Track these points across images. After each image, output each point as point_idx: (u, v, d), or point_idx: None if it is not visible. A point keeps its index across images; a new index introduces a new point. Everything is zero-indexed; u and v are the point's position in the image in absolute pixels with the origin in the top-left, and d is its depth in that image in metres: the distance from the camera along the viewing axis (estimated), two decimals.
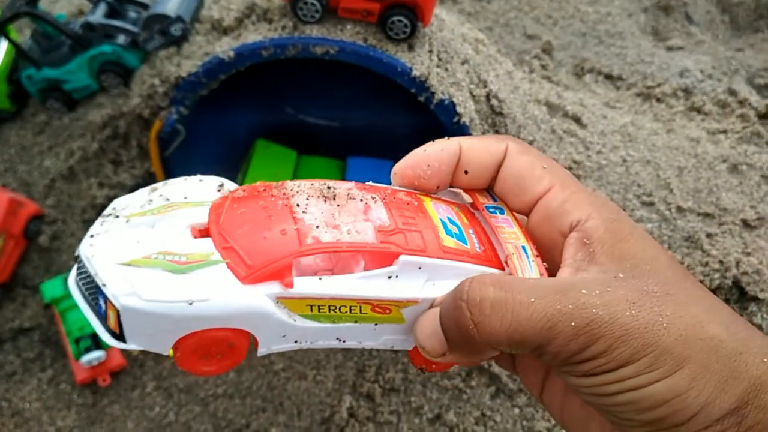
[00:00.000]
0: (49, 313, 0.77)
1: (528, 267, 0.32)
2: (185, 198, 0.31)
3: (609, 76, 1.08)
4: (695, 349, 0.27)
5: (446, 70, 0.71)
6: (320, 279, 0.29)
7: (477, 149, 0.33)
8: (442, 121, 0.72)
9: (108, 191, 0.79)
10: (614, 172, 0.86)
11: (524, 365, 0.35)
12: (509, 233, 0.33)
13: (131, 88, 0.77)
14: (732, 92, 1.03)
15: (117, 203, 0.32)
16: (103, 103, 0.82)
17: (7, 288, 0.79)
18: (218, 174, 0.88)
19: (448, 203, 0.34)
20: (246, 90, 0.87)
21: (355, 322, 0.31)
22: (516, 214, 0.34)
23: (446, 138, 0.34)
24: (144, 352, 0.77)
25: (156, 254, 0.28)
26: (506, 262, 0.32)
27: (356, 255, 0.31)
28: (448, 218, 0.33)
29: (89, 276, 0.29)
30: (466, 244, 0.32)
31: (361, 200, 0.32)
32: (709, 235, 0.84)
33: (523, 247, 0.32)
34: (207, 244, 0.29)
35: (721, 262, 0.81)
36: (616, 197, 0.84)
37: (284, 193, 0.31)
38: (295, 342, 0.30)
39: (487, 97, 0.76)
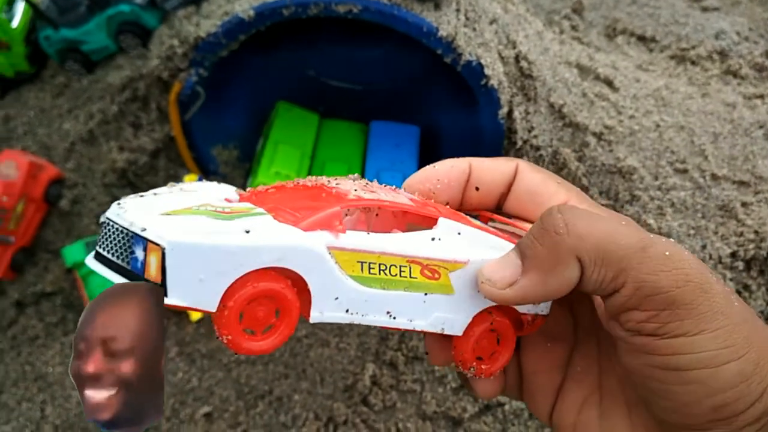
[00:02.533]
0: (71, 278, 0.77)
1: None
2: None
3: (642, 38, 1.04)
4: (757, 336, 0.26)
5: (474, 30, 0.69)
6: (368, 233, 0.28)
7: (488, 167, 0.33)
8: (470, 85, 0.70)
9: (128, 155, 0.78)
10: (647, 138, 0.83)
11: (532, 386, 0.35)
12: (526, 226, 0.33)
13: (150, 49, 0.76)
14: None
15: (134, 195, 0.30)
16: (122, 65, 0.80)
17: (29, 252, 0.78)
18: (241, 139, 0.87)
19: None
20: (267, 52, 0.85)
21: (405, 289, 0.30)
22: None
23: (456, 158, 0.34)
24: (167, 317, 0.76)
25: (197, 206, 0.26)
26: None
27: (393, 224, 0.30)
28: (469, 217, 0.34)
29: (119, 233, 0.26)
30: (491, 228, 0.33)
31: (386, 185, 0.32)
32: (744, 204, 0.82)
33: None
34: (247, 204, 0.28)
35: (756, 232, 0.79)
36: (649, 164, 0.82)
37: (312, 180, 0.31)
38: (347, 311, 0.29)
39: (516, 58, 0.73)
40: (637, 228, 0.28)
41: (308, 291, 0.28)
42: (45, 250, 0.79)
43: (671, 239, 0.28)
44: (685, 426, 0.27)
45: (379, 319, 0.30)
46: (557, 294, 0.28)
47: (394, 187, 0.33)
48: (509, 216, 0.34)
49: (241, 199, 0.30)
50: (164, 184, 0.80)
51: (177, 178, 0.77)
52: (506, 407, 0.71)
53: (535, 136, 0.76)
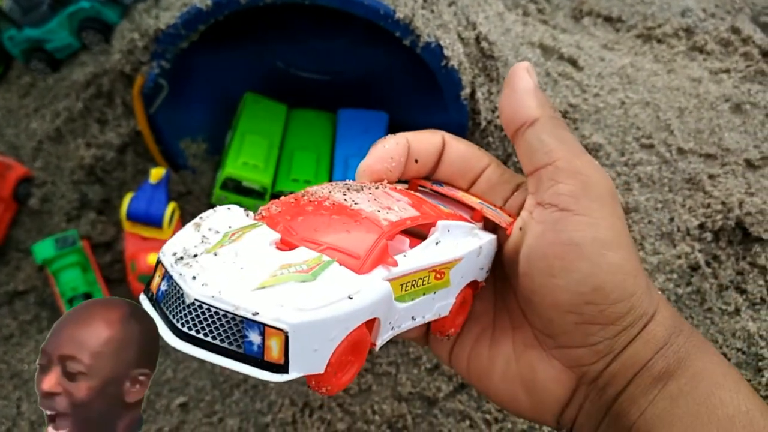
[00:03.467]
0: (43, 276, 0.77)
1: (496, 212, 0.36)
2: (230, 227, 0.30)
3: (608, 18, 1.04)
4: (635, 247, 0.32)
5: (432, 11, 0.69)
6: (405, 256, 0.31)
7: (420, 139, 0.36)
8: (431, 66, 0.70)
9: (95, 151, 0.78)
10: (612, 115, 0.84)
11: (435, 336, 0.38)
12: (464, 196, 0.37)
13: (112, 45, 0.76)
14: (735, 30, 1.00)
15: (172, 248, 0.29)
16: (86, 62, 0.80)
17: (0, 252, 0.78)
18: (209, 131, 0.87)
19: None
20: (235, 45, 0.85)
21: (424, 294, 0.32)
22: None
23: (390, 135, 0.37)
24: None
25: (279, 270, 0.27)
26: (476, 210, 0.36)
27: (398, 234, 0.32)
28: (399, 185, 0.37)
29: (221, 316, 0.26)
30: (453, 212, 0.36)
31: (377, 188, 0.34)
32: (711, 176, 0.82)
33: (480, 202, 0.37)
34: (305, 252, 0.28)
35: (723, 203, 0.80)
36: (615, 140, 0.82)
37: (321, 196, 0.32)
38: (392, 329, 0.31)
39: (477, 39, 0.74)
40: None
41: (373, 323, 0.29)
42: (16, 249, 0.79)
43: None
44: (566, 308, 0.30)
45: (407, 324, 0.32)
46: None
47: (383, 190, 0.34)
48: (435, 182, 0.38)
49: (283, 235, 0.30)
50: (133, 179, 0.81)
51: (144, 173, 0.77)
52: None
53: (499, 117, 0.76)
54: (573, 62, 0.86)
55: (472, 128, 0.76)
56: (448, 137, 0.37)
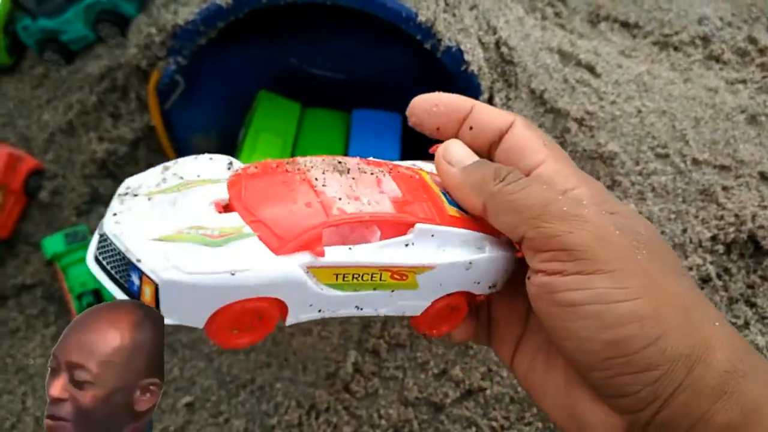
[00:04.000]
0: (51, 270, 0.76)
1: None
2: (198, 176, 0.32)
3: (625, 24, 1.03)
4: (657, 286, 0.28)
5: (453, 15, 0.68)
6: (350, 249, 0.31)
7: (488, 111, 0.35)
8: (450, 70, 0.69)
9: (108, 145, 0.77)
10: (628, 123, 0.83)
11: (498, 337, 0.38)
12: None
13: (128, 38, 0.75)
14: (752, 40, 0.99)
15: (129, 182, 0.32)
16: (101, 55, 0.79)
17: (9, 244, 0.78)
18: (222, 127, 0.87)
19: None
20: (249, 41, 0.85)
21: (374, 289, 0.32)
22: None
23: (463, 96, 0.36)
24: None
25: (188, 228, 0.29)
26: None
27: (372, 225, 0.32)
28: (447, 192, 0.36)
29: (117, 253, 0.29)
30: (466, 213, 0.35)
31: (372, 174, 0.34)
32: (724, 188, 0.82)
33: None
34: (235, 218, 0.29)
35: (736, 215, 0.79)
36: (630, 149, 0.82)
37: (299, 169, 0.32)
38: (319, 311, 0.31)
39: (497, 44, 0.73)
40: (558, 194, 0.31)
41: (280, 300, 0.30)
42: (25, 242, 0.78)
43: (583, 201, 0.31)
44: (589, 366, 0.29)
45: (348, 311, 0.32)
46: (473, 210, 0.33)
47: (376, 176, 0.34)
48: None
49: (232, 197, 0.31)
50: None
51: None
52: (487, 392, 0.71)
53: None
54: (591, 69, 0.85)
55: None
56: (520, 122, 0.35)
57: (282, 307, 0.30)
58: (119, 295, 0.29)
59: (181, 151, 0.79)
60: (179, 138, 0.78)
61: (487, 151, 0.36)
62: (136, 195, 0.31)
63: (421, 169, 0.37)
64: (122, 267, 0.28)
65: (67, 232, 0.73)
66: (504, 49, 0.73)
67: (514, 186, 0.30)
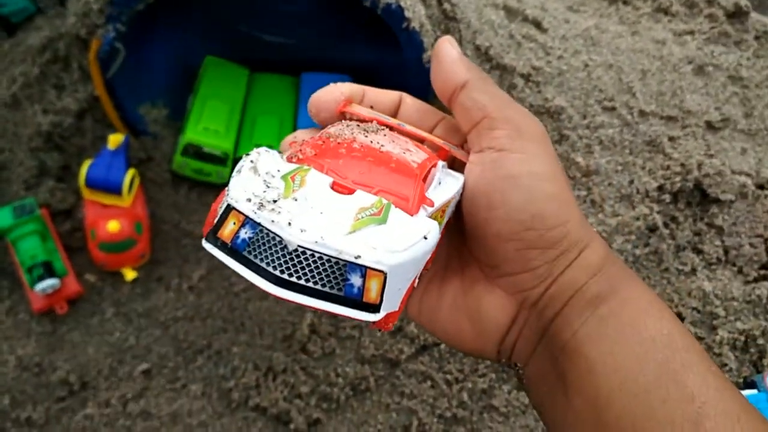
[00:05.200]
0: (3, 244, 0.76)
1: (460, 152, 0.37)
2: (278, 171, 0.30)
3: None
4: (566, 180, 0.34)
5: None
6: (435, 189, 0.33)
7: (378, 91, 0.38)
8: (392, 28, 0.69)
9: (53, 117, 0.77)
10: (575, 78, 0.84)
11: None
12: (428, 135, 0.37)
13: (67, 8, 0.74)
14: None
15: (239, 194, 0.29)
16: (42, 26, 0.78)
17: None
18: (171, 96, 0.85)
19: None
20: (195, 7, 0.84)
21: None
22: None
23: (336, 84, 0.38)
24: (101, 279, 0.76)
25: (357, 214, 0.28)
26: (443, 151, 0.36)
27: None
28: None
29: (322, 261, 0.27)
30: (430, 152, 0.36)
31: (382, 130, 0.35)
32: (671, 138, 0.83)
33: (444, 142, 0.37)
34: (365, 195, 0.30)
35: (682, 164, 0.80)
36: (577, 103, 0.82)
37: (347, 138, 0.33)
38: None
39: (439, 1, 0.73)
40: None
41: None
42: None
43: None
44: (510, 235, 0.33)
45: None
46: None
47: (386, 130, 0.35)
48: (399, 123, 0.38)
49: (335, 177, 0.31)
50: (92, 145, 0.80)
51: (104, 139, 0.76)
52: (441, 347, 0.73)
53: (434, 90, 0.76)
54: (537, 24, 0.86)
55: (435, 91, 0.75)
56: (406, 95, 0.39)
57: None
58: (331, 307, 0.27)
59: (129, 121, 0.78)
60: (126, 107, 0.77)
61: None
62: (275, 200, 0.28)
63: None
64: (335, 274, 0.27)
65: (15, 206, 0.73)
66: (446, 6, 0.73)
67: (492, 81, 0.35)
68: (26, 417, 0.68)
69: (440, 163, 0.34)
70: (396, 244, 0.27)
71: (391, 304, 0.29)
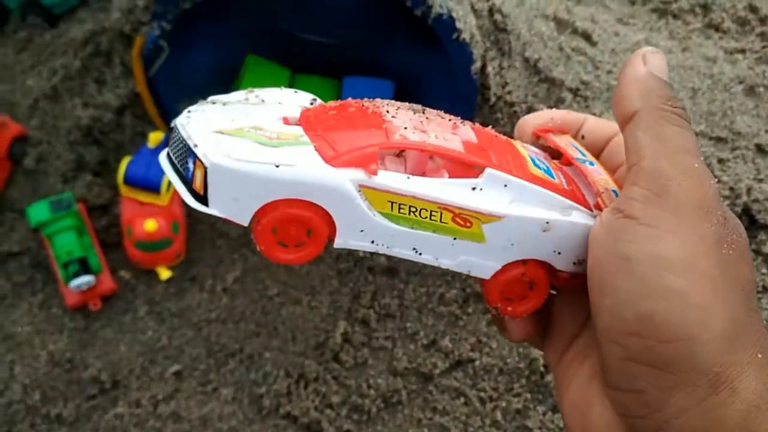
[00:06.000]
0: (38, 237, 0.76)
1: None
2: (279, 103, 0.33)
3: None
4: (719, 284, 0.26)
5: None
6: (408, 177, 0.30)
7: (597, 120, 0.35)
8: (441, 39, 0.68)
9: (93, 111, 0.76)
10: None
11: (553, 337, 0.35)
12: (599, 179, 0.33)
13: (112, 2, 0.73)
14: (753, 9, 0.97)
15: (213, 97, 0.34)
16: (84, 19, 0.78)
17: None
18: (210, 93, 0.84)
19: (536, 150, 0.35)
20: (238, 5, 0.82)
21: (434, 231, 0.31)
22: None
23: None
24: (136, 276, 0.76)
25: (249, 128, 0.29)
26: (598, 196, 0.32)
27: (440, 168, 0.31)
28: (537, 158, 0.33)
29: (181, 141, 0.30)
30: (554, 179, 0.32)
31: (450, 120, 0.33)
32: (720, 161, 0.81)
33: (614, 190, 0.32)
34: (297, 129, 0.30)
35: (731, 188, 0.78)
36: None
37: (375, 105, 0.32)
38: (372, 242, 0.30)
39: (490, 11, 0.72)
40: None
41: (328, 215, 0.30)
42: (10, 209, 0.77)
43: None
44: (613, 334, 0.27)
45: (405, 253, 0.31)
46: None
47: (454, 122, 0.33)
48: (583, 154, 0.35)
49: (301, 119, 0.32)
50: (131, 141, 0.79)
51: (143, 136, 0.76)
52: (476, 363, 0.71)
53: (510, 92, 0.74)
54: (587, 37, 0.84)
55: (481, 103, 0.74)
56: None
57: (331, 225, 0.30)
58: (177, 184, 0.30)
59: (168, 117, 0.78)
60: (166, 105, 0.76)
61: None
62: (214, 103, 0.32)
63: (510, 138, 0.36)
64: (182, 154, 0.30)
65: (52, 200, 0.72)
66: (497, 17, 0.71)
67: (676, 113, 0.28)
68: (56, 414, 0.68)
69: (489, 170, 0.30)
70: (239, 153, 0.28)
71: (228, 210, 0.29)
